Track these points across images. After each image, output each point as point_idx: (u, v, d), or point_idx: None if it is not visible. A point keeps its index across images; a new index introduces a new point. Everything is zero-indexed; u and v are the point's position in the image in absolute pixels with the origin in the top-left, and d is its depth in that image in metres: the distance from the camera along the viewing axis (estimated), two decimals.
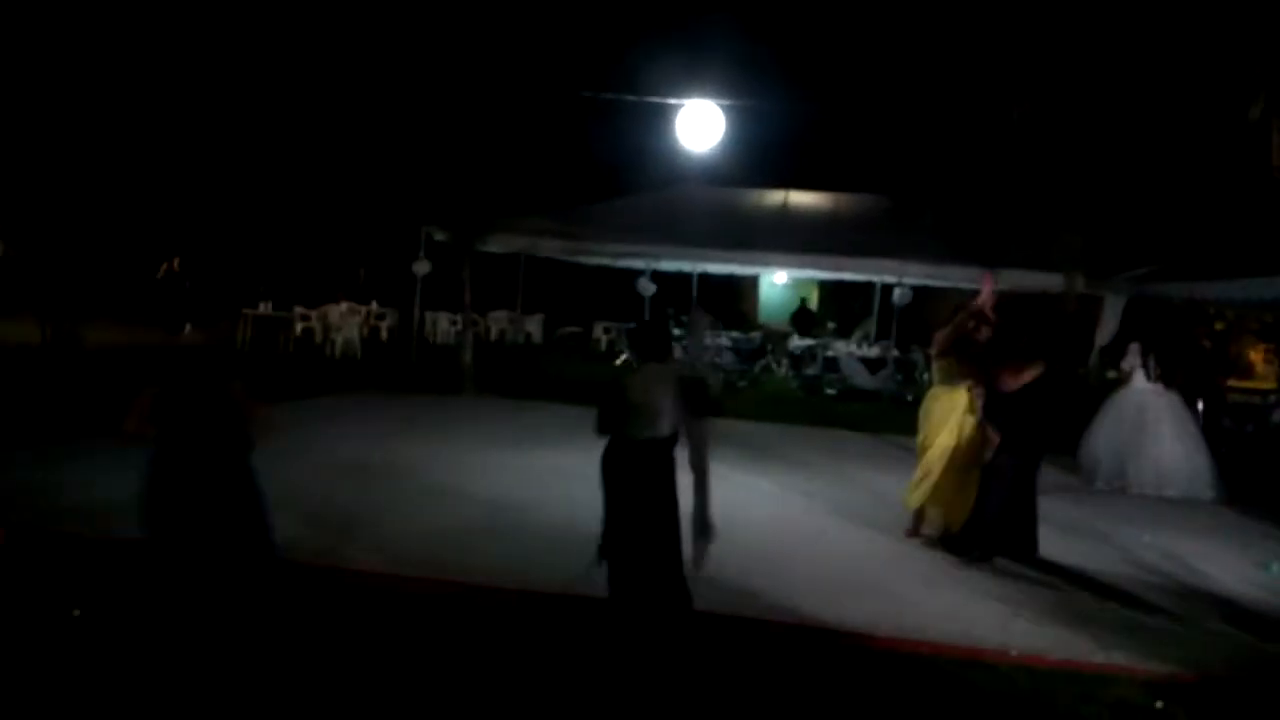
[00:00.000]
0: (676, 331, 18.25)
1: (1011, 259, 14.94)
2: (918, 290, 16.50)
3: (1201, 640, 5.23)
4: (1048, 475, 7.27)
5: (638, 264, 17.28)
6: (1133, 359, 9.87)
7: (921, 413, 7.11)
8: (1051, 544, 6.80)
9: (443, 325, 21.67)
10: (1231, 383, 16.43)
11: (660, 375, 4.51)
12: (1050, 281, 14.53)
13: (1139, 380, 9.76)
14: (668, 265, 17.98)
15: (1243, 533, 8.11)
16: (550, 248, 17.57)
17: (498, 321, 22.98)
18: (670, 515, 4.42)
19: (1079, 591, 6.01)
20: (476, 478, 8.12)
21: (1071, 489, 9.30)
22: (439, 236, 16.25)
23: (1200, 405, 11.85)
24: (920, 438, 7.04)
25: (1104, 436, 9.82)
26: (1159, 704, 4.32)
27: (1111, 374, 14.06)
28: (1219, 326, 22.06)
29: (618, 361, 17.18)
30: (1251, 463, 10.52)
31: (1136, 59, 10.84)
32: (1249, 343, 22.26)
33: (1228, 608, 5.88)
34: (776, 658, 4.63)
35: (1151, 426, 9.52)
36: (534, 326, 23.47)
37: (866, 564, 6.41)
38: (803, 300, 22.43)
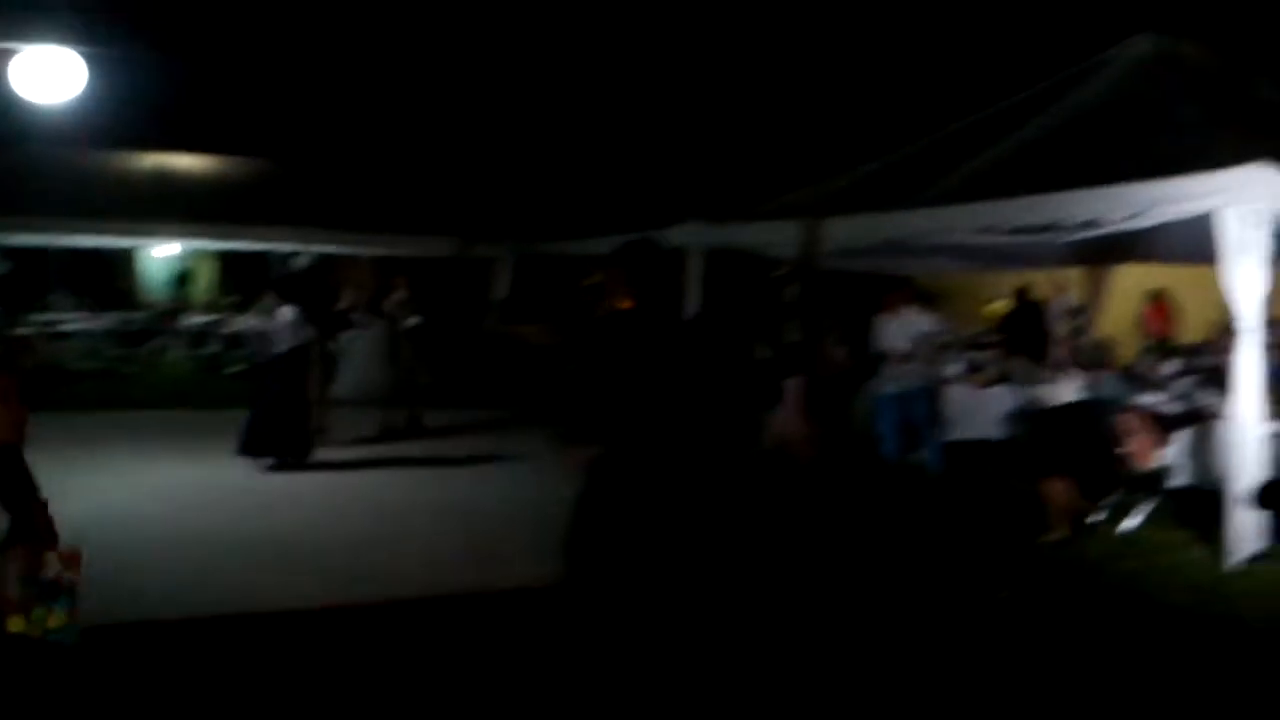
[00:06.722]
0: None
1: (404, 225, 15.44)
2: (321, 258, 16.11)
3: None
4: None
5: None
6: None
7: None
8: None
9: None
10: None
11: None
12: (442, 246, 15.24)
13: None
14: (18, 240, 15.29)
15: None
16: None
17: None
18: None
19: None
20: None
21: None
22: None
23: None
24: None
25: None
26: None
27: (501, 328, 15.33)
28: (597, 278, 25.32)
29: None
30: None
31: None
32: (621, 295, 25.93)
33: None
34: None
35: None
36: None
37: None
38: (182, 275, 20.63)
